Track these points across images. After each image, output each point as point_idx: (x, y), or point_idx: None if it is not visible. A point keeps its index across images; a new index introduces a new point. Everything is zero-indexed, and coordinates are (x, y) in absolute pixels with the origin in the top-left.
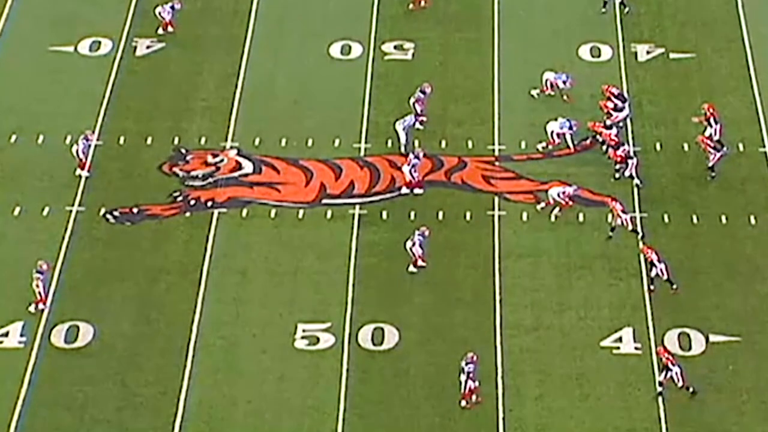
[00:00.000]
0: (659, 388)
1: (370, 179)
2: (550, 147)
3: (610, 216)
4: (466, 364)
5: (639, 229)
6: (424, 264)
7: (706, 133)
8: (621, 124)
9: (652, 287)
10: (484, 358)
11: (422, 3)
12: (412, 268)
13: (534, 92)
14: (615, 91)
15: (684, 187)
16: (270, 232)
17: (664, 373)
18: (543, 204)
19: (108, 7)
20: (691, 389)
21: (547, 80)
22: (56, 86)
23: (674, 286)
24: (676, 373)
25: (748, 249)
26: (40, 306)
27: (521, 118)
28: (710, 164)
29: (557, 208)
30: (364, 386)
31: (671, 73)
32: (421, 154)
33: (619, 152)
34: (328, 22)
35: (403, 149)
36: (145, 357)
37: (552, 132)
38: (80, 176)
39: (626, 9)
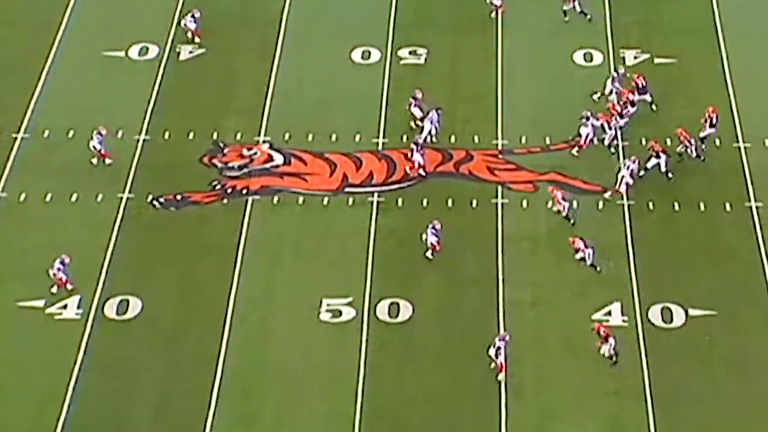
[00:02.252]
0: (613, 359)
1: (387, 170)
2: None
3: (551, 202)
4: (500, 340)
5: (572, 217)
6: (439, 250)
7: (703, 134)
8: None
9: (598, 268)
10: (488, 330)
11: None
12: (429, 255)
13: (595, 96)
14: (641, 82)
15: (666, 179)
16: (298, 218)
17: (608, 346)
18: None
19: (155, 17)
20: (615, 359)
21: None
22: (109, 87)
23: (598, 269)
24: (612, 345)
25: (723, 233)
26: (68, 287)
27: (522, 116)
28: (680, 152)
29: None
30: (382, 354)
31: (656, 76)
32: (423, 148)
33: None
34: (350, 30)
35: (431, 140)
36: (186, 328)
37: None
38: (130, 164)
39: (588, 16)
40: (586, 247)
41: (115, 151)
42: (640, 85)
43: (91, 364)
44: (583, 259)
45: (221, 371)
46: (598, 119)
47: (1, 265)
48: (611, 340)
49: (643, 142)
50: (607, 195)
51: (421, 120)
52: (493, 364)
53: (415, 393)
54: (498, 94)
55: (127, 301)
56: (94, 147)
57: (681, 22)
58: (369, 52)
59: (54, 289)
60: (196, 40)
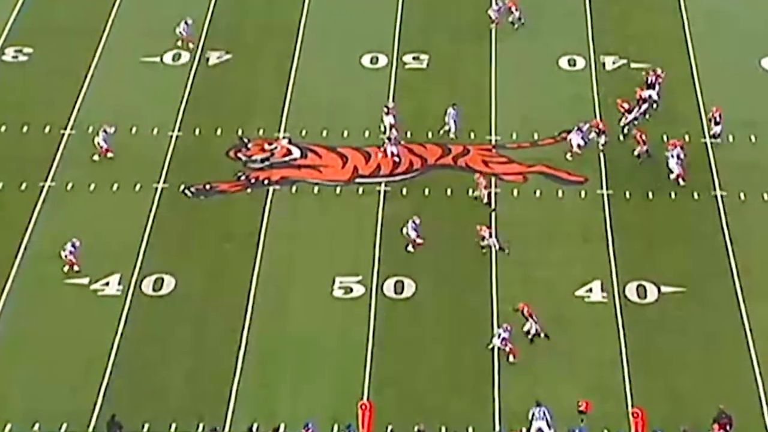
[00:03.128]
0: (529, 335)
1: (394, 163)
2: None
3: (473, 190)
4: (504, 330)
5: (492, 204)
6: (420, 243)
7: (713, 131)
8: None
9: (507, 250)
10: (483, 304)
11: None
12: (410, 248)
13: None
14: (651, 78)
15: (641, 170)
16: (313, 205)
17: (529, 324)
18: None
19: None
20: (530, 339)
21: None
22: (146, 89)
23: (507, 252)
24: (533, 324)
25: (692, 218)
26: (74, 268)
27: (513, 115)
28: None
29: None
30: (388, 327)
31: (632, 79)
32: (397, 142)
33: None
34: (360, 38)
35: (451, 135)
36: (214, 303)
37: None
38: (164, 158)
39: (515, 26)
40: (490, 236)
41: (149, 146)
42: (649, 81)
43: (129, 334)
44: (489, 246)
45: (245, 341)
46: (588, 127)
47: (51, 246)
48: (531, 320)
49: (621, 137)
50: (568, 156)
51: (392, 127)
52: (491, 347)
53: (418, 361)
54: (492, 95)
55: (162, 279)
56: (98, 143)
57: (654, 31)
58: (377, 58)
59: (65, 269)
60: (190, 45)
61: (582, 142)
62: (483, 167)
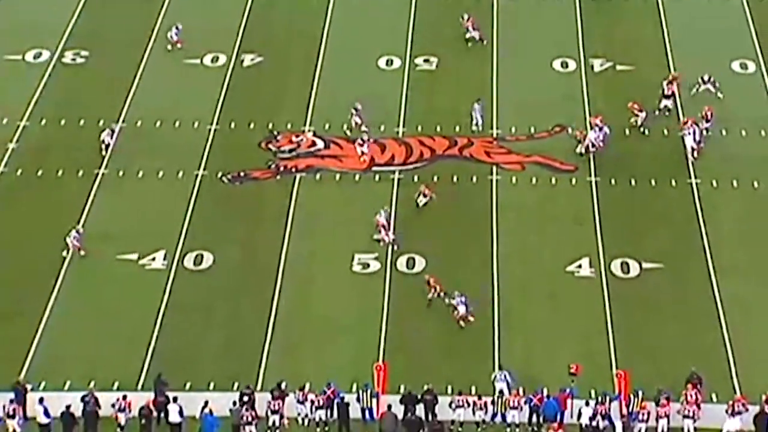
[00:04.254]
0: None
1: (406, 153)
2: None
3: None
4: (459, 296)
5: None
6: (387, 233)
7: (702, 126)
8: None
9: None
10: (485, 278)
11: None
12: (376, 236)
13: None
14: (668, 88)
15: (625, 160)
16: (335, 190)
17: (431, 293)
18: None
19: (224, 31)
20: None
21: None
22: (188, 87)
23: (397, 248)
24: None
25: (670, 203)
26: (80, 252)
27: (512, 111)
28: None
29: None
30: (401, 298)
31: (617, 80)
32: (368, 142)
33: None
34: (377, 43)
35: (475, 128)
36: (248, 277)
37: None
38: (204, 148)
39: (469, 44)
40: (387, 231)
41: (190, 137)
42: (666, 92)
43: (173, 304)
44: (382, 239)
45: (275, 311)
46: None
47: (104, 227)
48: (433, 291)
49: (607, 131)
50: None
51: (358, 126)
52: (457, 313)
53: (427, 328)
54: (493, 93)
55: (202, 255)
56: (102, 140)
57: (637, 37)
58: (392, 60)
59: (65, 252)
60: (178, 46)
61: (599, 142)
62: (485, 157)
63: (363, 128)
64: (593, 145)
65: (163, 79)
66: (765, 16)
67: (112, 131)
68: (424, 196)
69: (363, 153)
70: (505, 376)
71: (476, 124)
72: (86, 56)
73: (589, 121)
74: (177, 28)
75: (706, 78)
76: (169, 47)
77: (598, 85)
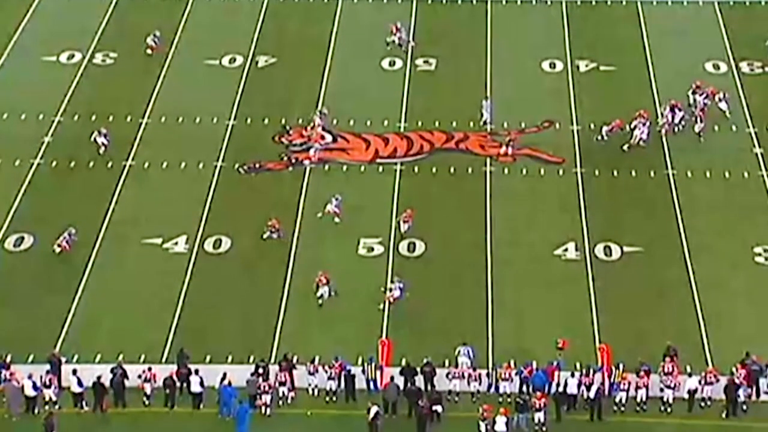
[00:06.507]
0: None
1: (408, 146)
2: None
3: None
4: (398, 282)
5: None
6: (339, 215)
7: (696, 128)
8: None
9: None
10: (480, 261)
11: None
12: (336, 219)
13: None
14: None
15: (608, 153)
16: (342, 180)
17: (322, 290)
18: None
19: (241, 34)
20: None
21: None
22: (207, 86)
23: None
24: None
25: (649, 192)
26: (67, 249)
27: (504, 107)
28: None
29: None
30: (402, 278)
31: (601, 80)
32: (320, 144)
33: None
34: (380, 45)
35: (483, 124)
36: (262, 259)
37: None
38: (222, 142)
39: (411, 44)
40: (326, 285)
41: (210, 132)
42: (676, 105)
43: (194, 284)
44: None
45: (287, 289)
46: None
47: (131, 213)
48: (326, 287)
49: (592, 126)
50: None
51: (323, 129)
52: (392, 296)
53: (427, 304)
54: (487, 91)
55: (221, 239)
56: (94, 140)
57: (619, 40)
58: (394, 61)
59: (56, 249)
60: (153, 52)
61: (645, 136)
62: (480, 150)
63: (320, 131)
64: (644, 140)
65: (184, 78)
66: (735, 21)
67: (102, 134)
68: (405, 222)
69: (312, 155)
70: (468, 351)
71: (485, 121)
72: (115, 57)
73: (634, 117)
74: (155, 35)
75: (721, 95)
76: (149, 51)
77: (583, 84)
